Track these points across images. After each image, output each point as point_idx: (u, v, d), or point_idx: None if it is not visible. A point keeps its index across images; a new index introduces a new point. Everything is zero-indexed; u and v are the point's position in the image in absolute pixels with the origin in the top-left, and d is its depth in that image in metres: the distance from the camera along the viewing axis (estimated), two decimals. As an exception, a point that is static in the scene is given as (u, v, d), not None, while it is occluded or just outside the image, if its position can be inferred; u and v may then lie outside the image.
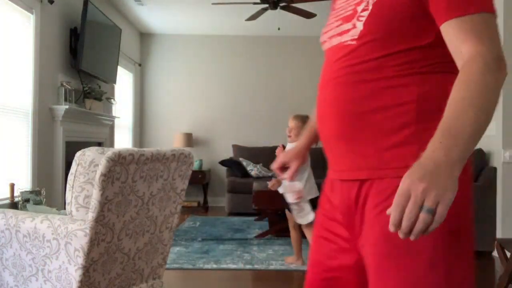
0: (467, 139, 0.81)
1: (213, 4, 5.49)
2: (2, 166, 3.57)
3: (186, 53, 7.23)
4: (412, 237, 0.76)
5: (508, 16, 3.94)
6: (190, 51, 7.23)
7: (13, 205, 3.18)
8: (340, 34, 1.07)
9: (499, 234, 3.94)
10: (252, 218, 5.68)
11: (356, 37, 1.02)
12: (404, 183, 0.77)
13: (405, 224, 0.75)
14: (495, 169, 3.98)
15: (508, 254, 2.75)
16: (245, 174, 6.52)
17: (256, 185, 5.18)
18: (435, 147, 0.80)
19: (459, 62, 0.91)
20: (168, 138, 7.18)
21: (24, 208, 3.06)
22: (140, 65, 7.18)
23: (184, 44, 7.23)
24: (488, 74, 0.85)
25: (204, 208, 6.77)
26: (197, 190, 7.00)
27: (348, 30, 1.04)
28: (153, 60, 7.26)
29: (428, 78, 0.98)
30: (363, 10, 1.01)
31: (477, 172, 4.05)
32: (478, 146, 4.24)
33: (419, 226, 0.74)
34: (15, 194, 3.38)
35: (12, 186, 3.28)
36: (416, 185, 0.75)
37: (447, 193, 0.76)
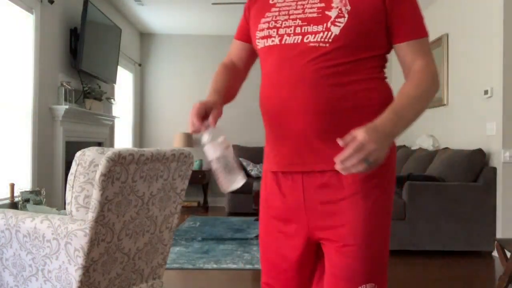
0: (407, 124, 1.11)
1: (213, 4, 5.49)
2: (2, 166, 3.57)
3: (186, 53, 7.23)
4: (344, 172, 1.01)
5: (508, 16, 3.94)
6: (190, 51, 7.23)
7: (13, 205, 3.18)
8: (302, 34, 1.15)
9: (499, 234, 3.94)
10: (252, 218, 5.67)
11: (330, 40, 1.13)
12: (363, 138, 0.98)
13: (349, 163, 0.98)
14: (495, 169, 3.98)
15: (508, 254, 2.75)
16: (245, 174, 6.52)
17: (256, 185, 5.18)
18: (388, 121, 1.05)
19: (407, 71, 1.21)
20: (168, 138, 7.17)
21: (24, 208, 3.06)
22: (140, 65, 7.18)
23: (184, 44, 7.23)
24: (433, 84, 1.17)
25: (204, 208, 6.77)
26: (197, 190, 7.00)
27: (317, 32, 1.14)
28: (153, 60, 7.27)
29: (382, 81, 1.22)
30: (339, 16, 1.13)
31: (477, 172, 4.05)
32: (478, 146, 4.24)
33: (357, 169, 0.99)
34: (15, 194, 3.38)
35: (12, 186, 3.28)
36: (371, 144, 0.98)
37: (384, 156, 1.03)
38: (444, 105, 5.06)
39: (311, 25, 1.15)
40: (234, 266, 3.55)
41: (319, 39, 1.13)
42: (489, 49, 4.16)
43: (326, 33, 1.13)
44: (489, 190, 3.96)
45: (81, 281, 1.86)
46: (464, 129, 4.62)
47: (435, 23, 5.45)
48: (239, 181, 1.14)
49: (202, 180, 6.58)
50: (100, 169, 1.82)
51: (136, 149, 1.98)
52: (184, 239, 4.50)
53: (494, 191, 3.97)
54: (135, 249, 2.15)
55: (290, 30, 1.16)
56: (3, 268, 2.04)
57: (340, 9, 1.14)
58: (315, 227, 1.19)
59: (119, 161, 1.86)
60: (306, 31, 1.15)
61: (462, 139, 4.65)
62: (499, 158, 3.97)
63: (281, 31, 1.17)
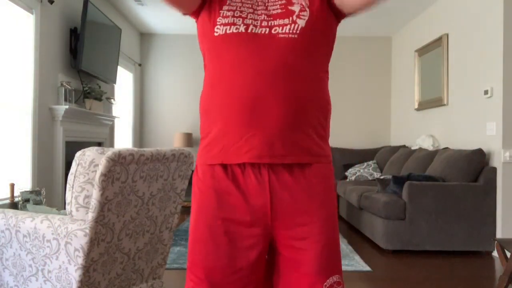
0: None
1: (213, 4, 5.49)
2: (2, 166, 3.57)
3: (186, 53, 7.23)
4: None
5: (508, 16, 3.94)
6: (190, 51, 7.24)
7: (13, 205, 3.18)
8: (269, 27, 1.17)
9: (499, 234, 3.94)
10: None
11: (297, 32, 1.16)
12: None
13: None
14: (495, 169, 3.98)
15: (508, 254, 2.75)
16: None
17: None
18: None
19: None
20: (168, 138, 7.18)
21: (24, 208, 3.06)
22: (140, 65, 7.17)
23: (184, 44, 7.23)
24: None
25: (204, 208, 6.76)
26: (197, 190, 6.98)
27: (284, 25, 1.17)
28: (153, 60, 7.27)
29: (327, 81, 1.25)
30: (302, 10, 1.19)
31: (477, 172, 4.05)
32: (478, 146, 4.24)
33: None
34: (15, 194, 3.38)
35: (12, 186, 3.28)
36: None
37: None
38: (444, 105, 5.06)
39: (277, 19, 1.18)
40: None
41: (287, 31, 1.16)
42: (489, 49, 4.16)
43: (293, 25, 1.17)
44: (489, 190, 3.96)
45: (81, 281, 1.86)
46: (464, 129, 4.62)
47: (435, 23, 5.44)
48: None
49: (202, 180, 6.57)
50: (100, 169, 1.82)
51: (136, 149, 1.98)
52: (184, 239, 4.50)
53: (494, 191, 3.97)
54: (135, 249, 2.15)
55: (257, 22, 1.18)
56: (3, 268, 2.04)
57: (302, 4, 1.20)
58: (281, 227, 1.18)
59: (119, 161, 1.86)
60: (272, 24, 1.18)
61: (462, 139, 4.65)
62: (499, 158, 3.97)
63: (247, 21, 1.18)
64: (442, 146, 5.06)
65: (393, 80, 7.02)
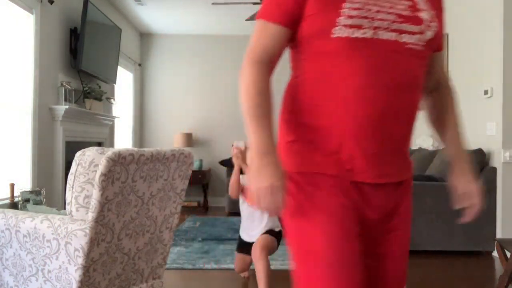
0: None
1: (213, 4, 5.49)
2: (2, 166, 3.57)
3: (186, 53, 7.24)
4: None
5: (508, 16, 3.94)
6: (190, 51, 7.24)
7: (13, 205, 3.18)
8: (399, 31, 1.04)
9: (499, 234, 3.94)
10: (252, 218, 5.67)
11: (424, 43, 1.08)
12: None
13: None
14: (495, 169, 3.98)
15: (508, 254, 2.75)
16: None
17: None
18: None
19: (436, 79, 1.30)
20: (168, 138, 7.18)
21: (24, 208, 3.06)
22: (140, 65, 7.18)
23: (184, 44, 7.23)
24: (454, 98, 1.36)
25: (204, 208, 6.77)
26: (197, 190, 7.00)
27: (414, 33, 1.06)
28: (153, 60, 7.27)
29: None
30: (431, 20, 1.09)
31: (477, 172, 4.05)
32: (478, 146, 4.24)
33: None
34: (15, 194, 3.38)
35: (12, 186, 3.27)
36: None
37: None
38: (444, 105, 5.06)
39: (407, 23, 1.05)
40: (234, 266, 3.54)
41: (415, 41, 1.06)
42: (489, 49, 4.16)
43: (422, 35, 1.06)
44: (489, 190, 3.96)
45: (81, 281, 1.86)
46: (464, 129, 4.62)
47: (435, 23, 5.44)
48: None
49: (202, 180, 6.58)
50: (100, 169, 1.82)
51: (136, 149, 1.98)
52: (184, 239, 4.50)
53: (494, 191, 3.97)
54: (135, 249, 2.15)
55: (386, 24, 1.03)
56: (3, 268, 2.04)
57: (431, 14, 1.10)
58: (381, 236, 1.16)
59: (119, 161, 1.86)
60: (402, 29, 1.04)
61: (462, 139, 4.65)
62: (499, 158, 3.96)
63: (376, 23, 1.02)
64: (442, 146, 5.06)
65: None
